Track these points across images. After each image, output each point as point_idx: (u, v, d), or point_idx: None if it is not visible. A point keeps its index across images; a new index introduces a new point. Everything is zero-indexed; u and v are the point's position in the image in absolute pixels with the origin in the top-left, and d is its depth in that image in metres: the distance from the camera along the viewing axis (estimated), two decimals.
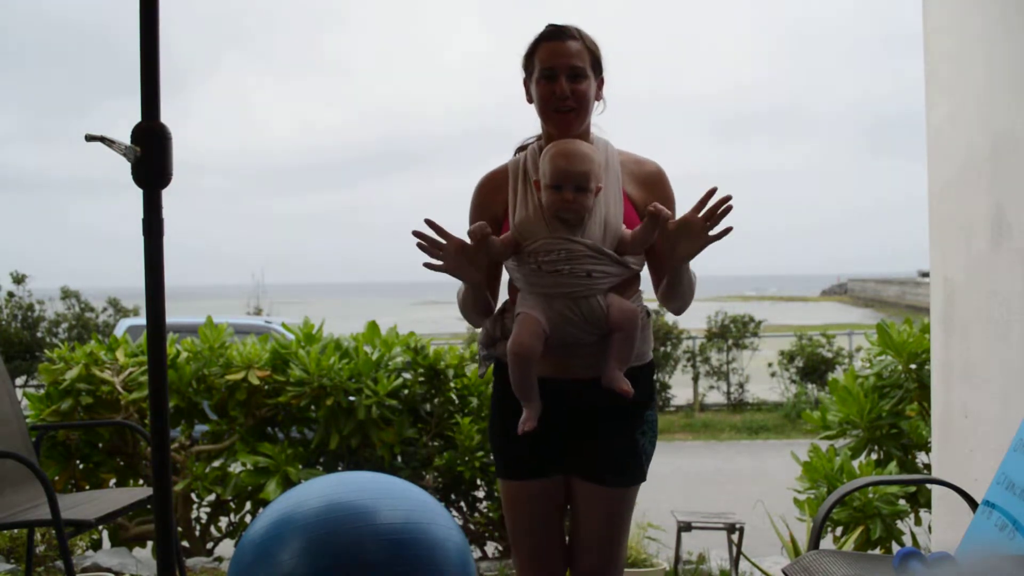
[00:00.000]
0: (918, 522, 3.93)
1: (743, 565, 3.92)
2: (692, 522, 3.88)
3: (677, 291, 2.07)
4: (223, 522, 4.70)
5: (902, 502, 3.81)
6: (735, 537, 3.82)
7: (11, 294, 14.47)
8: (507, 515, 2.22)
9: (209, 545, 4.61)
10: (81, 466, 4.47)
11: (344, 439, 4.39)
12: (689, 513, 4.05)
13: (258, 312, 15.47)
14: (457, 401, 4.63)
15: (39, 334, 14.23)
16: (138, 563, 4.17)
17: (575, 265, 1.98)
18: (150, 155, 1.64)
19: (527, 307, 2.02)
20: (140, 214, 1.66)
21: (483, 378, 4.34)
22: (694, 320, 13.52)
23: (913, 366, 3.99)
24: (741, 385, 13.14)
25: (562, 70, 2.05)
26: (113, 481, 4.52)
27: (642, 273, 2.15)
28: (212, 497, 4.51)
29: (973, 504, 2.36)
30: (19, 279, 14.52)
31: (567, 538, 2.25)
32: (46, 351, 5.15)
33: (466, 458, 4.39)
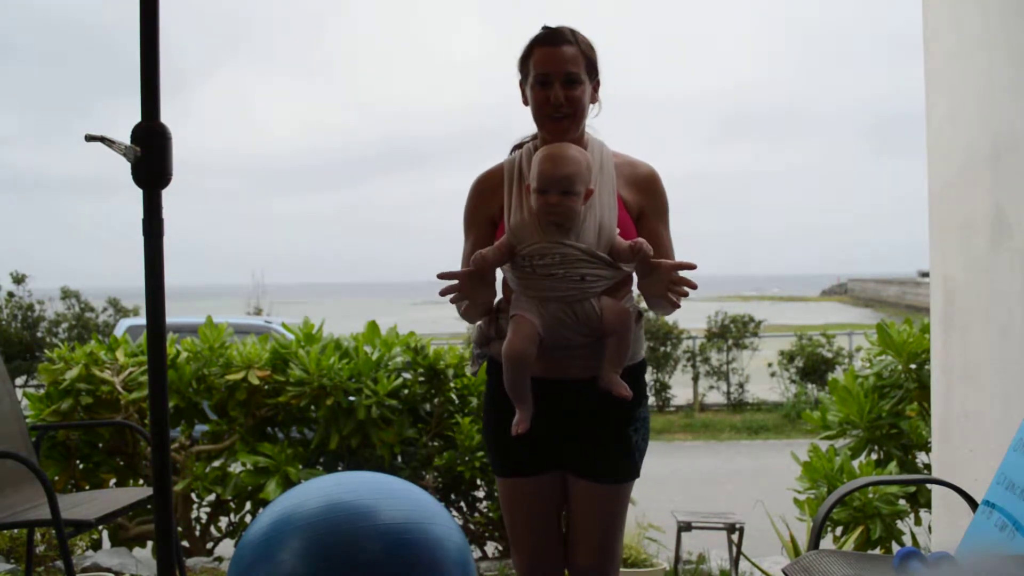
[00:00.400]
0: (918, 522, 3.93)
1: (743, 565, 3.92)
2: (692, 522, 3.88)
3: (654, 304, 2.10)
4: (223, 522, 4.70)
5: (902, 502, 3.81)
6: (735, 537, 3.82)
7: (11, 294, 14.47)
8: (505, 512, 2.25)
9: (209, 545, 4.61)
10: (81, 466, 4.47)
11: (344, 439, 4.38)
12: (689, 513, 4.05)
13: (258, 312, 15.45)
14: (457, 401, 4.63)
15: (39, 334, 14.23)
16: (138, 563, 4.17)
17: (569, 269, 1.99)
18: (150, 155, 1.64)
19: (521, 309, 2.04)
20: (140, 214, 1.66)
21: (478, 377, 4.35)
22: (694, 320, 13.54)
23: (913, 366, 3.99)
24: (741, 385, 13.14)
25: (557, 76, 2.05)
26: (113, 481, 4.52)
27: None
28: (212, 497, 4.51)
29: (973, 504, 2.36)
30: (19, 279, 14.52)
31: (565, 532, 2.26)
32: (46, 351, 5.15)
33: (466, 458, 4.39)
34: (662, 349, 12.83)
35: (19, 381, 12.94)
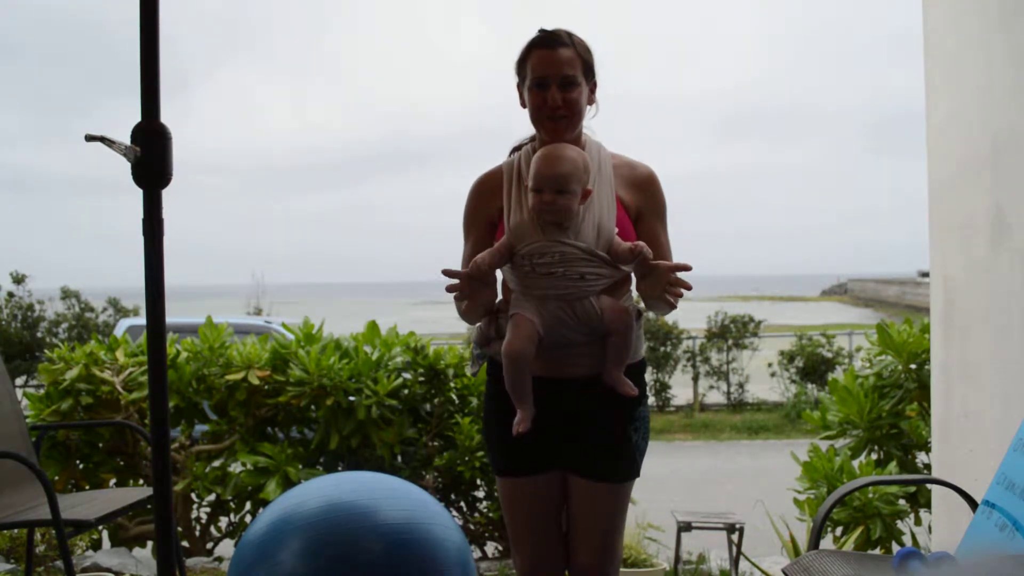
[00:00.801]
0: (918, 522, 3.93)
1: (743, 565, 3.92)
2: (692, 522, 3.88)
3: (651, 305, 2.11)
4: (223, 522, 4.70)
5: (902, 502, 3.81)
6: (735, 537, 3.82)
7: (11, 294, 14.47)
8: (506, 512, 2.25)
9: (209, 545, 4.61)
10: (81, 466, 4.47)
11: (344, 439, 4.38)
12: (689, 513, 4.05)
13: (258, 312, 15.44)
14: (457, 401, 4.63)
15: (39, 334, 14.23)
16: (138, 563, 4.17)
17: (568, 267, 2.00)
18: (150, 155, 1.63)
19: (521, 308, 2.05)
20: (140, 214, 1.65)
21: (478, 377, 4.35)
22: (694, 320, 13.54)
23: (913, 366, 3.99)
24: (741, 385, 13.14)
25: (554, 79, 2.08)
26: (113, 481, 4.52)
27: None
28: (212, 497, 4.51)
29: (973, 504, 2.36)
30: (19, 279, 14.52)
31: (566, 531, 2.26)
32: (46, 351, 5.15)
33: (466, 458, 4.39)
34: (662, 349, 12.84)
35: (19, 381, 12.94)
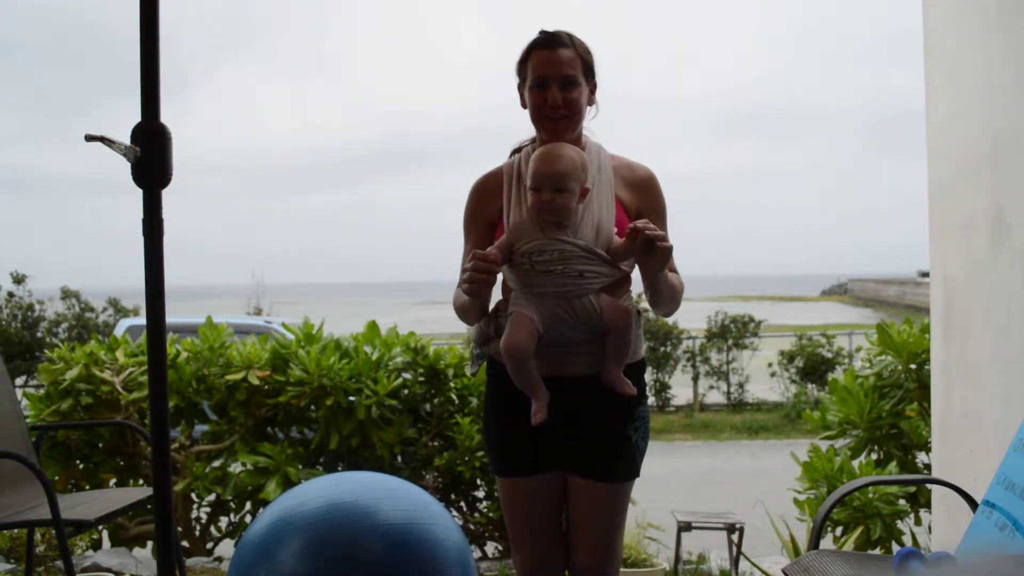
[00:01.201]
0: (918, 522, 3.93)
1: (743, 565, 3.92)
2: (692, 522, 3.88)
3: (659, 299, 2.10)
4: (223, 522, 4.70)
5: (902, 502, 3.81)
6: (735, 537, 3.82)
7: (11, 294, 14.47)
8: (506, 512, 2.26)
9: (209, 545, 4.61)
10: (81, 466, 4.47)
11: (344, 439, 4.38)
12: (689, 513, 4.05)
13: (258, 312, 15.44)
14: (457, 401, 4.63)
15: (39, 334, 14.23)
16: (138, 563, 4.17)
17: (568, 265, 2.01)
18: (150, 155, 1.63)
19: (520, 307, 2.05)
20: (140, 214, 1.65)
21: (477, 377, 4.35)
22: (694, 320, 13.54)
23: (913, 366, 3.99)
24: (741, 385, 13.14)
25: (554, 79, 2.09)
26: (113, 481, 4.52)
27: (635, 275, 2.17)
28: (212, 497, 4.51)
29: (973, 504, 2.36)
30: (19, 279, 14.52)
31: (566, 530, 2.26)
32: (46, 351, 5.15)
33: (466, 458, 4.39)
34: (662, 349, 12.84)
35: (19, 381, 12.94)
